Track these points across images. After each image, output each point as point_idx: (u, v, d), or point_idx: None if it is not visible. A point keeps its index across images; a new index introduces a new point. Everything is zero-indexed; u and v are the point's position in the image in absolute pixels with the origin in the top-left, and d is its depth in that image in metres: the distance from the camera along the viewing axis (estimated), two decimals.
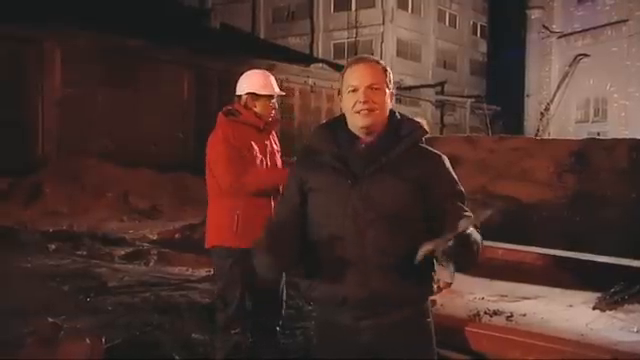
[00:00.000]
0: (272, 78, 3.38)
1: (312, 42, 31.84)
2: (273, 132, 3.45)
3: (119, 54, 14.40)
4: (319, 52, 30.93)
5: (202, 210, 10.05)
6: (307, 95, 19.98)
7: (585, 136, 16.79)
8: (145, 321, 4.56)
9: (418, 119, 2.00)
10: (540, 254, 4.20)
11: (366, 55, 2.07)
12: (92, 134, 13.65)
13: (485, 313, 3.23)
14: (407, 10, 31.60)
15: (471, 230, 1.71)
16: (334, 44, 31.43)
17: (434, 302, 3.01)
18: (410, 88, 27.19)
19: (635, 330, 2.97)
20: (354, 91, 1.88)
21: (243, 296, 3.15)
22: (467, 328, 3.04)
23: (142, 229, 9.63)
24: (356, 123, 1.90)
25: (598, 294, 3.47)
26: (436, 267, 1.93)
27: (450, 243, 1.66)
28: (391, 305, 1.85)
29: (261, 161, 3.28)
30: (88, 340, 3.33)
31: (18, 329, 3.91)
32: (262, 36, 31.85)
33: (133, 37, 14.70)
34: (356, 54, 29.17)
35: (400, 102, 25.06)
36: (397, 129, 1.92)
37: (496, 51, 35.94)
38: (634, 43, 21.94)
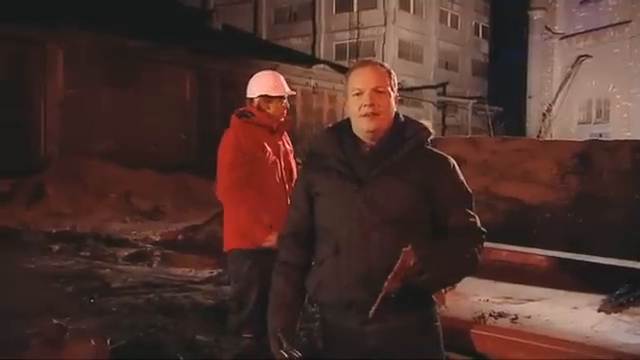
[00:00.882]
0: (282, 78, 3.40)
1: (314, 43, 31.87)
2: (285, 132, 3.47)
3: (121, 55, 14.42)
4: (321, 53, 30.96)
5: (205, 211, 10.11)
6: (309, 96, 19.98)
7: (587, 137, 16.77)
8: (149, 322, 4.56)
9: (422, 121, 1.99)
10: (544, 256, 4.20)
11: (371, 58, 2.08)
12: (94, 135, 13.66)
13: (490, 315, 3.22)
14: (409, 11, 31.61)
15: (434, 256, 1.75)
16: (336, 45, 31.45)
17: (440, 304, 3.01)
18: (412, 89, 27.17)
19: None
20: (359, 94, 1.88)
21: (258, 299, 3.15)
22: (472, 330, 3.04)
23: (145, 230, 9.64)
24: (361, 127, 1.90)
25: (603, 296, 3.45)
26: None
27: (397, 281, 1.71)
28: (397, 309, 1.84)
29: (274, 162, 3.30)
30: (93, 341, 3.34)
31: (22, 330, 3.92)
32: (264, 37, 31.89)
33: (135, 38, 14.72)
34: (358, 55, 29.24)
35: (402, 103, 24.95)
36: (401, 131, 1.92)
37: (498, 52, 35.92)
38: (637, 44, 21.93)
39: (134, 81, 14.77)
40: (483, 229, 1.90)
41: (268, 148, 3.28)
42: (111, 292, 5.62)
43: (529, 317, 3.19)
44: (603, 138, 15.30)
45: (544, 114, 25.28)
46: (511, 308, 3.34)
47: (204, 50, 16.75)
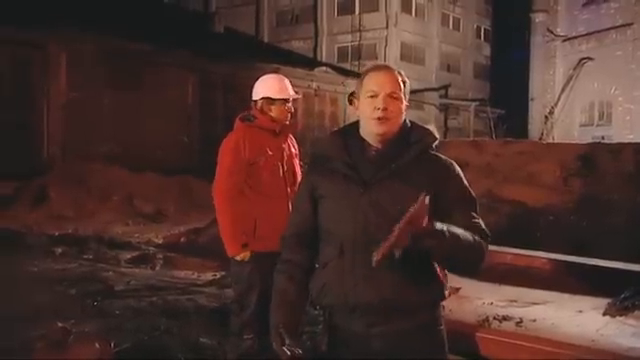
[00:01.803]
0: (287, 82, 3.41)
1: (316, 46, 31.88)
2: (290, 136, 3.47)
3: (124, 58, 14.45)
4: (323, 56, 30.97)
5: (207, 214, 10.09)
6: (311, 99, 19.99)
7: (589, 140, 16.75)
8: (153, 325, 4.56)
9: (428, 126, 2.00)
10: (549, 259, 4.19)
11: (387, 64, 2.09)
12: (97, 137, 13.68)
13: (494, 318, 3.22)
14: (411, 14, 31.61)
15: (445, 226, 1.70)
16: (338, 48, 31.46)
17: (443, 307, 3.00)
18: (414, 92, 27.18)
19: None
20: (373, 97, 1.89)
21: (259, 301, 3.17)
22: (476, 333, 3.04)
23: (147, 233, 9.64)
24: (371, 129, 1.90)
25: (608, 300, 3.44)
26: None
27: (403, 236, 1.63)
28: (402, 312, 1.84)
29: (276, 165, 3.30)
30: (97, 344, 3.35)
31: (27, 333, 3.93)
32: (266, 40, 31.91)
33: (137, 41, 14.75)
34: (360, 58, 29.25)
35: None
36: (407, 136, 1.93)
37: (500, 54, 35.90)
38: (639, 47, 21.90)
39: (136, 84, 14.79)
40: (488, 232, 1.90)
41: (270, 151, 3.29)
42: (114, 295, 5.62)
43: (534, 320, 3.18)
44: (605, 141, 15.29)
45: (546, 116, 25.25)
46: (516, 311, 3.34)
47: (206, 53, 16.78)
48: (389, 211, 1.80)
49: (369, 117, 1.89)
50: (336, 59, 30.31)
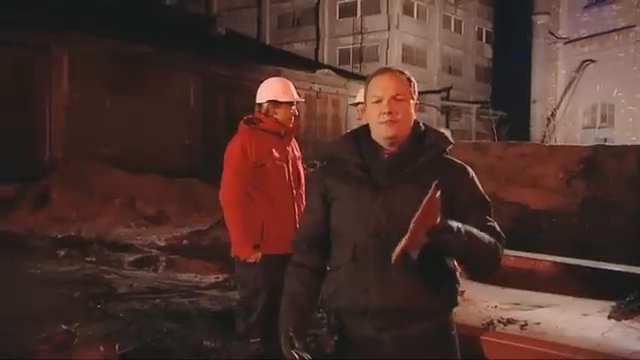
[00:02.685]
0: (291, 85, 3.43)
1: (317, 48, 31.94)
2: (294, 138, 3.48)
3: (126, 60, 14.47)
4: (324, 58, 31.01)
5: (209, 216, 10.08)
6: (312, 101, 19.99)
7: (592, 142, 16.73)
8: (156, 328, 4.57)
9: (442, 130, 2.00)
10: (553, 262, 4.18)
11: (390, 66, 2.09)
12: (99, 140, 13.70)
13: (499, 321, 3.20)
14: (412, 16, 31.66)
15: (460, 224, 1.70)
16: (339, 50, 31.51)
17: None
18: None
19: None
20: (378, 102, 1.89)
21: (265, 304, 3.16)
22: (481, 337, 3.03)
23: (150, 235, 9.66)
24: (380, 133, 1.90)
25: (613, 303, 3.43)
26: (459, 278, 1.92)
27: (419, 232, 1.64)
28: (414, 317, 1.83)
29: (282, 168, 3.31)
30: (101, 347, 3.35)
31: (31, 335, 3.93)
32: (267, 42, 31.95)
33: (140, 44, 14.78)
34: (361, 60, 29.29)
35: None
36: (421, 139, 1.92)
37: (501, 57, 35.94)
38: None
39: (138, 87, 14.82)
40: (503, 235, 1.89)
41: (275, 154, 3.30)
42: (118, 297, 5.62)
43: (539, 324, 3.16)
44: (608, 143, 15.28)
45: (548, 119, 25.22)
46: (520, 314, 3.32)
47: (208, 55, 16.81)
48: (402, 215, 1.77)
49: (377, 122, 1.89)
50: (338, 61, 30.35)
